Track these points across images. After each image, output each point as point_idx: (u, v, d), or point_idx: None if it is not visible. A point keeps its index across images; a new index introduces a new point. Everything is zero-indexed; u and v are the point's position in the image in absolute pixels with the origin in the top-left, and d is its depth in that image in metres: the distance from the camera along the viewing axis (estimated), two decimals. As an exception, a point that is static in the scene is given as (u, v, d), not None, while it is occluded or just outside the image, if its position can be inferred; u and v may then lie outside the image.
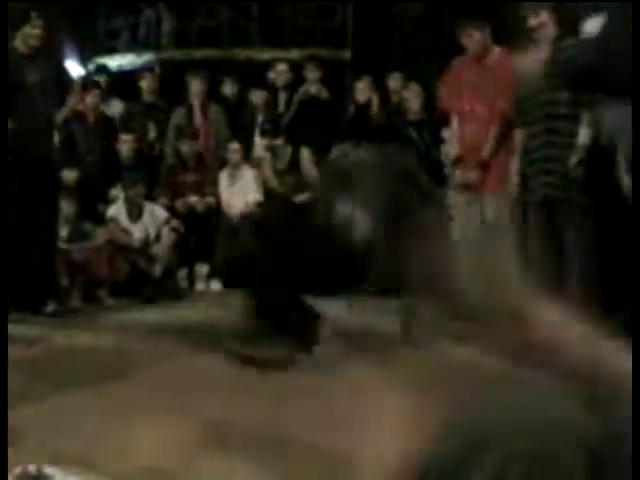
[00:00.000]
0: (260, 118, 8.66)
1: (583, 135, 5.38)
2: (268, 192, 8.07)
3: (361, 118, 8.42)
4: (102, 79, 9.08)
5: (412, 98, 8.03)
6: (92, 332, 5.90)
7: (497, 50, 6.06)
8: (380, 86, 8.60)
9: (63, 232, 7.16)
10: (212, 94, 8.92)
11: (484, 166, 5.94)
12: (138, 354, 5.13)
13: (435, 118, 7.52)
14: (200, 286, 7.88)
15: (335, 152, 8.07)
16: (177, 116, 8.72)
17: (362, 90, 8.49)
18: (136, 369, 4.69)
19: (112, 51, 11.79)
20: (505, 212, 5.81)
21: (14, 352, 5.24)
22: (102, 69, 9.66)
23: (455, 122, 6.34)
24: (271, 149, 8.22)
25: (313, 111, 8.45)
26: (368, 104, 8.52)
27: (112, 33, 12.10)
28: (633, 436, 1.23)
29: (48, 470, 2.77)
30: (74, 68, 11.52)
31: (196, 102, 8.72)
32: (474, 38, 6.03)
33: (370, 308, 6.34)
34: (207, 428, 3.62)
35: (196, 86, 8.73)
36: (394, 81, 8.50)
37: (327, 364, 4.56)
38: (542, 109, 5.59)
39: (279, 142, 8.20)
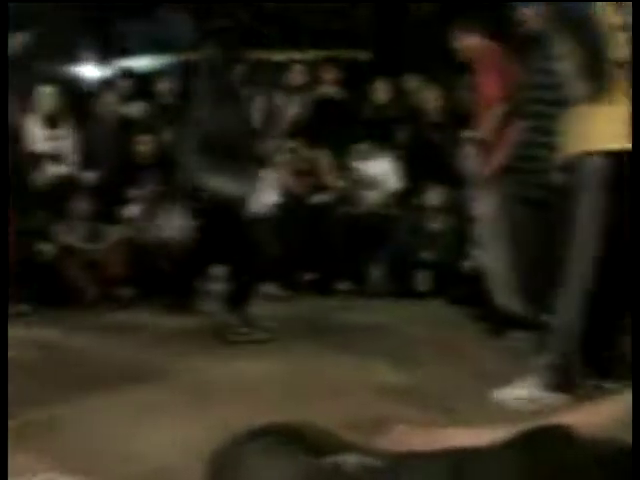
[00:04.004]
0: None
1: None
2: (287, 193, 8.03)
3: (381, 119, 8.38)
4: (124, 82, 9.08)
5: (431, 100, 7.99)
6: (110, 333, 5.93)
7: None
8: (398, 88, 8.57)
9: (81, 231, 7.27)
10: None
11: (484, 151, 5.75)
12: (156, 357, 5.12)
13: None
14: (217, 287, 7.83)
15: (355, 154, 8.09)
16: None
17: (380, 91, 8.46)
18: (154, 372, 4.69)
19: (129, 53, 11.81)
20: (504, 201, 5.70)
21: (29, 354, 5.28)
22: (125, 72, 9.58)
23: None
24: (289, 151, 8.19)
25: (329, 112, 8.43)
26: (386, 105, 8.49)
27: (128, 36, 12.12)
28: (633, 438, 1.19)
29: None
30: (92, 71, 11.57)
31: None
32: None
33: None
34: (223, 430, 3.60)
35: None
36: (412, 83, 8.45)
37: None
38: (529, 106, 5.52)
39: (297, 144, 8.18)
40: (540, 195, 5.39)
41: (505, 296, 5.71)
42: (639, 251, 3.78)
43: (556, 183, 4.88)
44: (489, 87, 5.62)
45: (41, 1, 5.62)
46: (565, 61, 4.25)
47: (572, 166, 4.29)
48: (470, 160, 5.87)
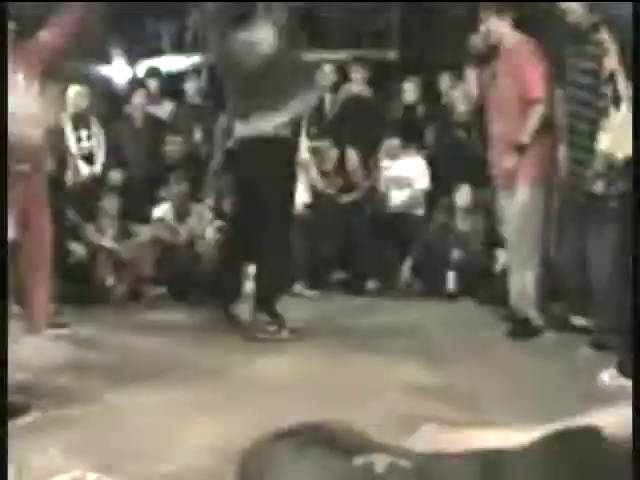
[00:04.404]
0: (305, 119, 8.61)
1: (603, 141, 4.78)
2: (315, 193, 8.02)
3: (409, 119, 8.37)
4: (153, 82, 9.09)
5: (461, 99, 7.95)
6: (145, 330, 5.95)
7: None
8: (426, 87, 8.54)
9: (110, 231, 7.31)
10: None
11: (521, 151, 5.58)
12: (184, 355, 5.13)
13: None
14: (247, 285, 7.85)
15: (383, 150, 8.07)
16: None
17: (410, 91, 8.45)
18: (183, 370, 4.69)
19: (159, 53, 11.85)
20: (535, 202, 5.63)
21: (61, 351, 5.31)
22: (153, 72, 9.57)
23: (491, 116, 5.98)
24: (316, 150, 8.18)
25: (358, 111, 8.41)
26: (415, 105, 8.47)
27: (158, 35, 12.16)
28: (633, 436, 1.17)
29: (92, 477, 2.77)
30: (123, 70, 11.60)
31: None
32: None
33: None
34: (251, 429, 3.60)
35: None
36: (445, 82, 8.41)
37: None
38: (565, 106, 5.44)
39: (324, 143, 8.17)
40: (576, 196, 5.34)
41: (524, 299, 5.67)
42: (639, 251, 3.74)
43: (599, 187, 4.83)
44: (531, 84, 5.50)
45: (65, 0, 5.52)
46: (609, 60, 4.20)
47: (618, 170, 4.22)
48: (500, 160, 5.81)
